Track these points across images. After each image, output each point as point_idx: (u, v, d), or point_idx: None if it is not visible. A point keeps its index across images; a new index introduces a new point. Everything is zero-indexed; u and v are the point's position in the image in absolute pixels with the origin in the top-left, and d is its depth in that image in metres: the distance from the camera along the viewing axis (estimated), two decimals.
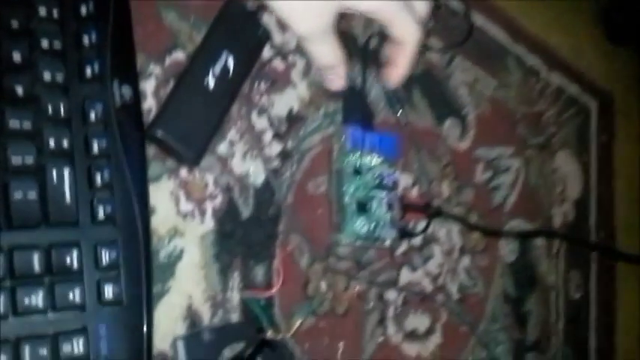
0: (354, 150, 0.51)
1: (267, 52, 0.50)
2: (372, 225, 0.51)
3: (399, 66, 0.49)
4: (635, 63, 1.09)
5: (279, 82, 0.52)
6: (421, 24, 0.47)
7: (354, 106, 0.54)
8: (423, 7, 0.47)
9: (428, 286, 0.60)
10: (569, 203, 0.84)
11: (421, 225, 0.59)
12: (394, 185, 0.53)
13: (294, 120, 0.52)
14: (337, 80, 0.49)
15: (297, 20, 0.43)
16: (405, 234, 0.57)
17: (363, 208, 0.51)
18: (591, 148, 0.92)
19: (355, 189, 0.50)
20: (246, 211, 0.47)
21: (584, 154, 0.90)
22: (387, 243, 0.53)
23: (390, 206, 0.52)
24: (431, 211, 0.57)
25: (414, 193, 0.60)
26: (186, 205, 0.44)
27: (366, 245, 0.53)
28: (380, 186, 0.52)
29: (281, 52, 0.52)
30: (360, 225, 0.51)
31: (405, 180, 0.60)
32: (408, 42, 0.47)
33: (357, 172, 0.51)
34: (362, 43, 0.57)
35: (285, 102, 0.52)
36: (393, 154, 0.54)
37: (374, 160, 0.52)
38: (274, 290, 0.47)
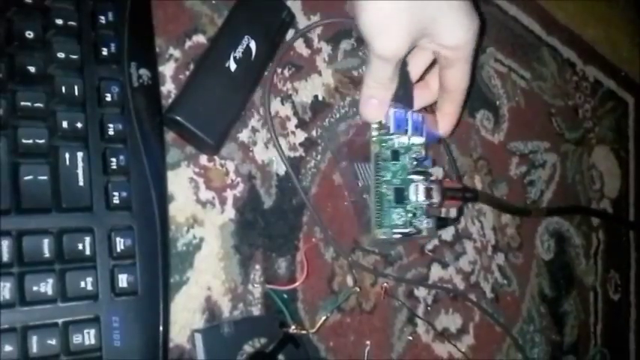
0: (398, 132, 0.46)
1: (291, 37, 0.49)
2: (410, 215, 0.47)
3: (452, 115, 0.48)
4: None
5: (304, 69, 0.49)
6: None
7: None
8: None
9: (460, 283, 0.57)
10: (607, 200, 0.81)
11: (452, 213, 0.56)
12: (431, 168, 0.50)
13: (319, 108, 0.50)
14: (377, 108, 0.45)
15: (381, 36, 0.41)
16: (443, 223, 0.53)
17: (400, 196, 0.47)
18: (629, 144, 0.89)
19: (393, 175, 0.47)
20: (268, 200, 0.45)
21: (622, 150, 0.86)
22: (424, 233, 0.49)
23: (428, 192, 0.48)
24: (469, 196, 0.53)
25: (448, 181, 0.58)
26: (205, 194, 0.42)
27: (403, 239, 0.49)
28: (418, 171, 0.48)
29: (306, 38, 0.50)
30: (398, 216, 0.47)
31: (435, 173, 0.57)
32: (460, 90, 0.46)
33: (395, 154, 0.47)
34: None
35: (310, 89, 0.50)
36: (434, 137, 0.50)
37: (414, 140, 0.48)
38: (298, 284, 0.45)
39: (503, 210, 0.63)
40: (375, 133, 0.47)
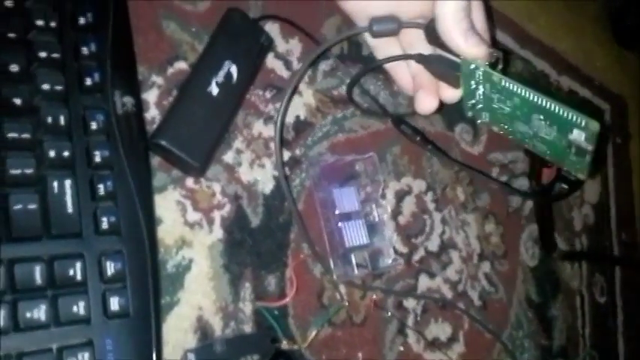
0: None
1: (271, 61, 0.50)
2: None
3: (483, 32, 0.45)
4: None
5: (285, 90, 0.51)
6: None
7: None
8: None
9: (448, 293, 0.58)
10: (588, 206, 0.82)
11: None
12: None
13: (301, 127, 0.51)
14: (430, 101, 0.46)
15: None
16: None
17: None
18: (607, 151, 0.91)
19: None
20: (255, 219, 0.46)
21: (600, 156, 0.88)
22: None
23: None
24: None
25: (429, 198, 0.59)
26: (193, 215, 0.43)
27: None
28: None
29: (285, 60, 0.51)
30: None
31: (417, 186, 0.58)
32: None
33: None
34: None
35: (292, 110, 0.51)
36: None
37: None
38: (288, 299, 0.45)
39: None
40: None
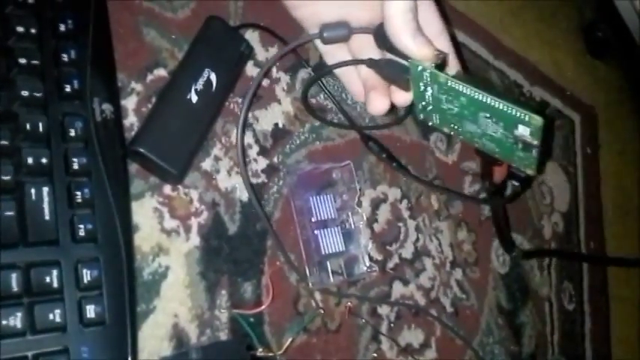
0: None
1: (250, 69, 0.50)
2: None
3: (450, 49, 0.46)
4: (615, 76, 1.11)
5: (263, 98, 0.51)
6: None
7: None
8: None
9: (421, 299, 0.59)
10: (558, 214, 0.84)
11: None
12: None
13: (279, 135, 0.51)
14: (381, 102, 0.46)
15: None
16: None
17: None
18: (577, 160, 0.93)
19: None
20: (232, 227, 0.47)
21: (570, 166, 0.90)
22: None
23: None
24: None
25: (403, 206, 0.60)
26: (170, 222, 0.43)
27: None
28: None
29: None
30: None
31: (393, 194, 0.59)
32: (440, 28, 0.45)
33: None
34: None
35: (270, 117, 0.51)
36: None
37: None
38: (264, 307, 0.46)
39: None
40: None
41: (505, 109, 0.40)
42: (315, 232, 0.49)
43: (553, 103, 0.89)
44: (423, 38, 0.42)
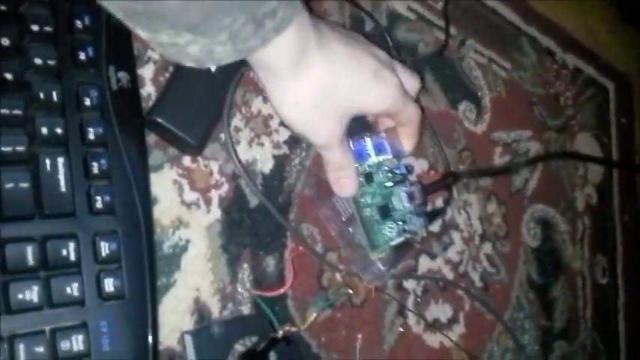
0: (361, 161, 0.46)
1: None
2: (400, 223, 0.48)
3: (411, 139, 0.47)
4: None
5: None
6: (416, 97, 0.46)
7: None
8: (415, 83, 0.46)
9: (449, 274, 0.58)
10: (591, 186, 0.81)
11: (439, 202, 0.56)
12: (408, 172, 0.50)
13: None
14: (349, 184, 0.45)
15: (313, 135, 0.41)
16: (433, 215, 0.54)
17: (385, 211, 0.47)
18: (611, 130, 0.90)
19: (372, 197, 0.47)
20: (254, 199, 0.45)
21: (604, 136, 0.87)
22: (419, 234, 0.49)
23: (410, 196, 0.48)
24: (450, 181, 0.53)
25: (428, 175, 0.58)
26: (190, 195, 0.42)
27: (400, 245, 0.49)
28: (394, 180, 0.48)
29: None
30: (389, 230, 0.47)
31: (420, 165, 0.57)
32: (414, 122, 0.46)
33: (369, 177, 0.46)
34: None
35: None
36: (400, 149, 0.50)
37: (381, 158, 0.48)
38: (284, 289, 0.44)
39: (487, 174, 0.64)
40: None
41: None
42: (349, 229, 0.47)
43: (587, 70, 0.85)
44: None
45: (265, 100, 0.47)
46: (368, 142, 0.46)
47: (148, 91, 0.42)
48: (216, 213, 0.43)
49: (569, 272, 0.74)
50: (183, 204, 0.42)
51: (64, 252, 0.33)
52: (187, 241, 0.41)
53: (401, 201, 0.48)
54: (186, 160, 0.43)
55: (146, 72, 0.42)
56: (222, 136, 0.45)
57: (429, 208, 0.53)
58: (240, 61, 0.44)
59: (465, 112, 0.64)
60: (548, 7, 0.79)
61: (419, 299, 0.54)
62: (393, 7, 0.59)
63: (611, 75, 0.91)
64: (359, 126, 0.46)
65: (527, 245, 0.68)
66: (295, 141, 0.49)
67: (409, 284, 0.54)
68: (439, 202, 0.57)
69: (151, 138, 0.41)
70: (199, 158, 0.43)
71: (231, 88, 0.43)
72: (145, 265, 0.37)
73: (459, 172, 0.56)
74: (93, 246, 0.35)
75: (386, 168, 0.47)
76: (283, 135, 0.48)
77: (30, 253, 0.32)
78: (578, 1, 0.89)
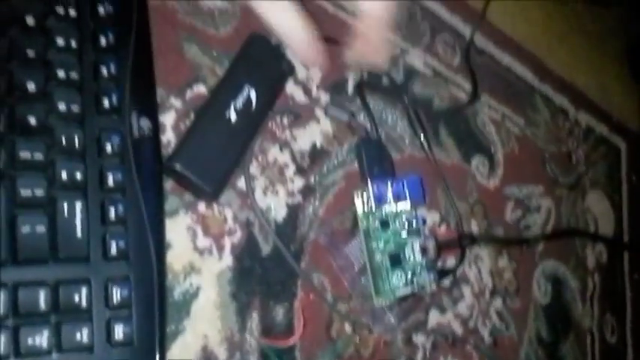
0: (380, 205, 0.47)
1: (290, 87, 0.49)
2: (410, 274, 0.47)
3: (371, 42, 0.41)
4: None
5: (302, 117, 0.50)
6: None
7: (372, 158, 0.51)
8: None
9: (458, 329, 0.57)
10: (602, 244, 0.81)
11: (451, 261, 0.56)
12: (423, 225, 0.50)
13: (317, 155, 0.50)
14: (313, 54, 0.39)
15: None
16: (443, 274, 0.54)
17: (396, 260, 0.47)
18: (622, 188, 0.90)
19: (385, 243, 0.47)
20: (266, 247, 0.45)
21: (616, 194, 0.87)
22: (427, 289, 0.49)
23: (424, 250, 0.48)
24: (466, 243, 0.53)
25: (442, 231, 0.58)
26: (203, 241, 0.42)
27: (406, 297, 0.50)
28: (410, 231, 0.48)
29: (304, 87, 0.50)
30: (397, 279, 0.47)
31: (431, 218, 0.57)
32: (377, 17, 0.40)
33: (385, 224, 0.47)
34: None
35: (309, 136, 0.50)
36: (420, 195, 0.50)
37: (401, 206, 0.48)
38: (293, 340, 0.44)
39: (504, 243, 0.64)
40: (360, 211, 0.48)
41: None
42: (362, 280, 0.48)
43: (598, 129, 0.86)
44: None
45: (282, 149, 0.48)
46: (389, 188, 0.46)
47: (168, 137, 0.42)
48: (227, 260, 0.43)
49: (579, 330, 0.73)
50: (195, 250, 0.42)
51: (76, 297, 0.33)
52: (198, 288, 0.41)
53: (414, 253, 0.48)
54: (202, 206, 0.43)
55: (167, 119, 0.43)
56: (239, 183, 0.45)
57: (439, 263, 0.53)
58: (260, 111, 0.45)
59: (478, 166, 0.64)
60: (561, 65, 0.81)
61: (428, 354, 0.54)
62: (411, 62, 0.60)
63: (622, 134, 0.91)
64: (382, 170, 0.46)
65: (538, 302, 0.67)
66: (310, 190, 0.49)
67: (418, 339, 0.53)
68: (450, 258, 0.57)
69: (168, 183, 0.42)
70: (214, 204, 0.44)
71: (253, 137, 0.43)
72: (156, 311, 0.36)
73: (475, 236, 0.55)
74: (105, 291, 0.35)
75: (403, 218, 0.47)
76: (298, 184, 0.48)
77: (42, 298, 0.32)
78: (591, 60, 0.90)
